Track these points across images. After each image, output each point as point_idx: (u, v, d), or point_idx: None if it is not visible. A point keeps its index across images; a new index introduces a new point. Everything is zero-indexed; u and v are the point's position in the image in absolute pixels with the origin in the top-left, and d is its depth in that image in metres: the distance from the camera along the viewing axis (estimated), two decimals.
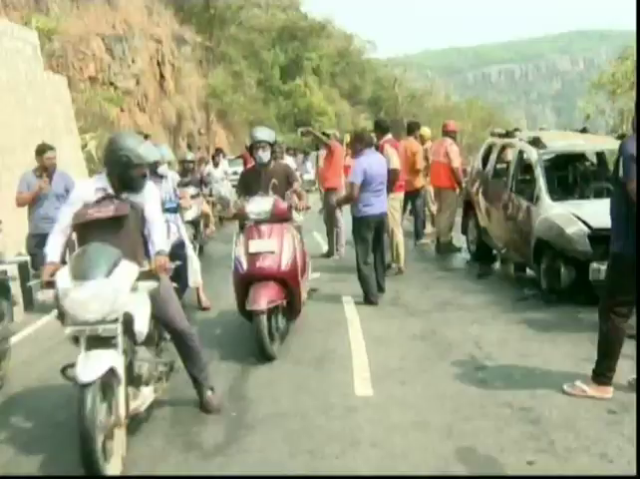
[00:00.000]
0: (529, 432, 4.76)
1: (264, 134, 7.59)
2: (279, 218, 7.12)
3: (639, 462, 3.83)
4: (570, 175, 10.08)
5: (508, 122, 51.82)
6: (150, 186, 5.07)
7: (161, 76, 31.79)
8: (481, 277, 10.11)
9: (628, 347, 5.45)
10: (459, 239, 12.36)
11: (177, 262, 5.13)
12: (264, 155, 7.49)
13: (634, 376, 5.38)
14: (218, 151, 19.59)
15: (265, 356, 6.56)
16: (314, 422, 5.16)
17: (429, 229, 14.10)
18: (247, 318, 6.88)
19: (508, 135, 10.74)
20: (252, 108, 47.06)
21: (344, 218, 12.20)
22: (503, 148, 10.96)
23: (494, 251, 10.84)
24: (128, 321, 4.52)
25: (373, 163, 8.84)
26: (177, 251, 7.33)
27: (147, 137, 16.29)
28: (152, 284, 4.68)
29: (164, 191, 7.90)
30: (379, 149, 9.72)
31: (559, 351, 6.52)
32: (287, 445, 4.78)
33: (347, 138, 14.53)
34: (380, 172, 8.90)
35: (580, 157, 10.53)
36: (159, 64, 31.38)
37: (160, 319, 5.11)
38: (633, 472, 4.11)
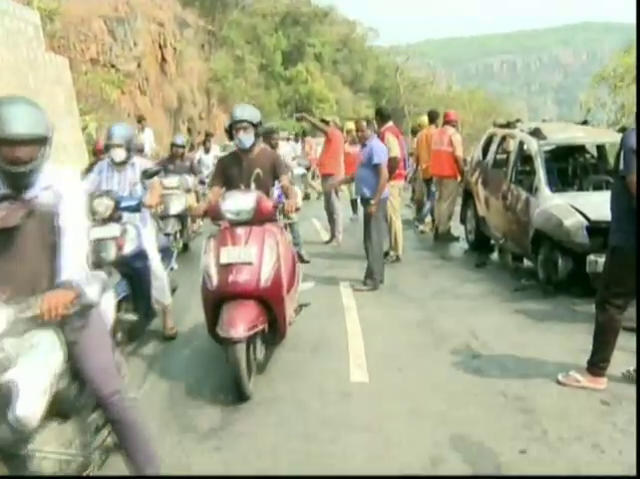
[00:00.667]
0: (523, 421, 4.79)
1: (245, 112, 6.29)
2: (262, 219, 5.81)
3: (639, 462, 3.84)
4: (570, 167, 10.09)
5: (510, 113, 51.58)
6: (67, 178, 3.60)
7: (163, 59, 31.67)
8: (479, 267, 10.13)
9: (623, 339, 5.49)
10: (457, 229, 12.36)
11: (76, 308, 3.27)
12: (246, 137, 6.20)
13: (629, 368, 5.42)
14: (209, 136, 18.26)
15: (240, 394, 5.30)
16: (309, 407, 5.19)
17: (428, 217, 14.10)
18: (219, 342, 5.50)
19: (509, 125, 10.74)
20: (253, 93, 46.94)
21: (341, 203, 12.26)
22: (504, 138, 10.97)
23: (492, 241, 10.86)
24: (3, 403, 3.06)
25: (384, 146, 9.15)
26: (135, 265, 6.22)
27: (140, 120, 16.34)
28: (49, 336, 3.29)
29: (121, 182, 6.63)
30: (380, 136, 9.75)
31: (555, 342, 6.55)
32: (282, 429, 4.81)
33: (347, 125, 14.55)
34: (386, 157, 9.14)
35: (580, 149, 10.53)
36: (160, 47, 31.25)
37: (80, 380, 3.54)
38: (625, 463, 4.15)
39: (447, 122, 12.71)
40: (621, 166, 4.97)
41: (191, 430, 4.86)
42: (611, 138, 10.29)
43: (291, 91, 53.55)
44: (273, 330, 5.79)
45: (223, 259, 5.47)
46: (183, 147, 11.86)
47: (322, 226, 13.85)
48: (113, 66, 24.87)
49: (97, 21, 24.85)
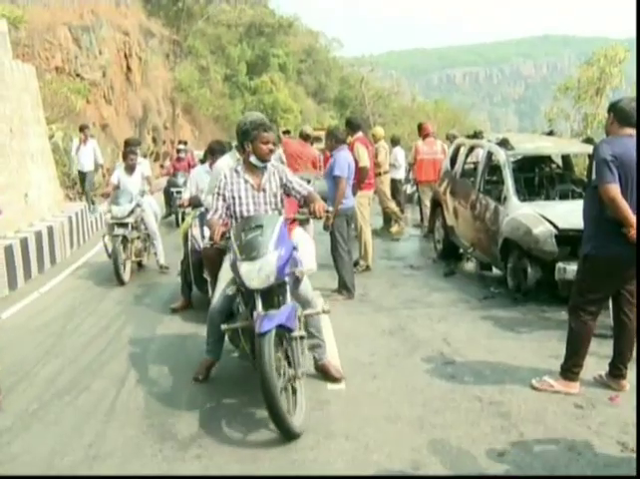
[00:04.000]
0: (500, 425, 4.88)
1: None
2: None
3: (639, 462, 3.93)
4: (537, 176, 10.25)
5: (472, 124, 52.22)
6: None
7: (128, 68, 31.51)
8: (448, 276, 10.23)
9: (594, 345, 5.61)
10: None
11: None
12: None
13: (600, 373, 5.54)
14: (181, 143, 18.50)
15: None
16: None
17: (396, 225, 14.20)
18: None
19: (477, 136, 10.88)
20: (218, 103, 46.92)
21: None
22: (472, 148, 11.13)
23: (461, 250, 10.98)
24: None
25: (350, 158, 9.13)
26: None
27: (82, 129, 16.27)
28: None
29: None
30: (349, 147, 9.82)
31: (526, 348, 6.66)
32: (262, 436, 4.83)
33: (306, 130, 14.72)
34: (353, 167, 9.16)
35: (547, 159, 10.71)
36: (125, 56, 31.10)
37: None
38: (600, 464, 4.25)
39: (426, 135, 13.75)
40: (594, 176, 5.09)
41: (171, 438, 4.86)
42: (577, 148, 10.51)
43: (256, 101, 53.51)
44: None
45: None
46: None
47: None
48: (78, 75, 24.70)
49: (62, 29, 24.66)
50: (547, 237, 7.96)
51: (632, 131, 5.16)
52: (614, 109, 5.31)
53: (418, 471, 4.26)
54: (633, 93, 19.62)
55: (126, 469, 4.44)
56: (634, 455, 4.33)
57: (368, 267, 10.57)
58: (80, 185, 16.94)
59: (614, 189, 4.96)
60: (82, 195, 17.27)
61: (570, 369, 5.41)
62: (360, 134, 10.60)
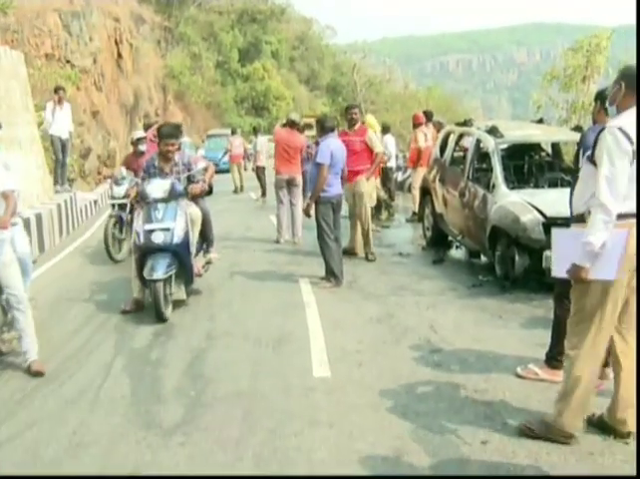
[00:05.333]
0: (483, 413, 4.89)
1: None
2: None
3: (639, 462, 3.93)
4: (526, 164, 10.24)
5: (465, 111, 52.19)
6: None
7: (119, 55, 31.39)
8: (436, 264, 10.23)
9: None
10: None
11: None
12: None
13: None
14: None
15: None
16: (273, 402, 5.23)
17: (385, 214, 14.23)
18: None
19: (466, 124, 10.87)
20: (210, 90, 46.85)
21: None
22: (461, 136, 11.12)
23: (450, 238, 10.99)
24: None
25: (336, 146, 9.10)
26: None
27: (57, 90, 15.48)
28: None
29: None
30: (361, 133, 10.44)
31: (513, 336, 6.68)
32: (246, 424, 4.84)
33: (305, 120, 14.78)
34: (341, 156, 9.17)
35: (536, 147, 10.70)
36: (116, 43, 30.96)
37: None
38: (582, 452, 4.27)
39: (418, 124, 13.81)
40: (580, 164, 5.07)
41: (156, 426, 4.86)
42: (565, 136, 10.51)
43: (248, 88, 53.50)
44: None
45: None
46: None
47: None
48: (68, 61, 24.55)
49: (52, 15, 24.50)
50: (535, 225, 7.97)
51: None
52: (601, 97, 5.29)
53: (400, 459, 4.27)
54: None
55: (110, 457, 4.44)
56: (616, 443, 4.35)
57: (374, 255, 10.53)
58: (54, 152, 15.28)
59: None
60: (55, 165, 15.59)
61: (555, 357, 5.40)
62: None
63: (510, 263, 8.37)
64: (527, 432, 4.50)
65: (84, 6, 27.35)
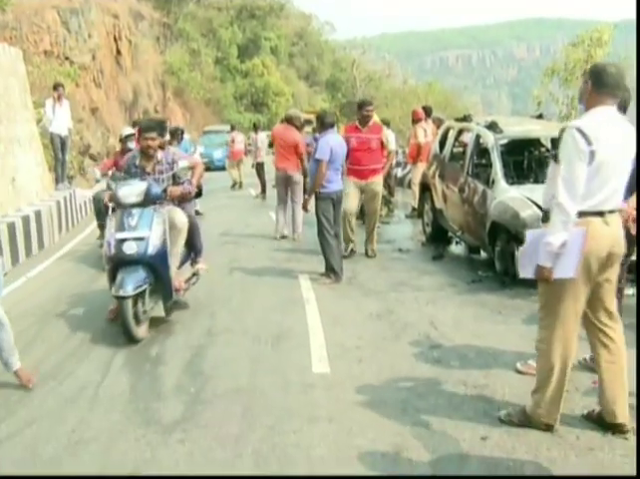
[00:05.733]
0: (483, 409, 4.88)
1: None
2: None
3: (639, 462, 3.93)
4: (525, 160, 10.22)
5: (465, 106, 52.15)
6: None
7: (118, 52, 31.37)
8: (436, 259, 10.22)
9: (580, 328, 5.58)
10: None
11: None
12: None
13: (585, 356, 5.53)
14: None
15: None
16: (272, 398, 5.22)
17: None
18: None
19: (466, 119, 10.86)
20: (209, 86, 46.80)
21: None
22: (460, 131, 11.10)
23: (449, 234, 10.98)
24: None
25: (336, 142, 9.07)
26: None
27: (56, 87, 15.34)
28: None
29: None
30: (376, 130, 10.29)
31: (512, 332, 6.67)
32: (246, 420, 4.83)
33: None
34: (341, 152, 9.16)
35: (536, 142, 10.68)
36: (115, 39, 30.95)
37: None
38: (582, 447, 4.27)
39: (417, 120, 13.78)
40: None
41: (155, 423, 4.86)
42: None
43: (247, 84, 53.44)
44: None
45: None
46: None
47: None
48: (67, 58, 24.54)
49: (50, 12, 24.49)
50: (535, 220, 7.93)
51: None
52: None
53: (399, 455, 4.26)
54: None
55: (109, 454, 4.44)
56: (615, 439, 4.35)
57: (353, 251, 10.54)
58: (53, 150, 15.14)
59: None
60: (55, 163, 15.42)
61: None
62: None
63: (510, 259, 8.35)
64: (508, 422, 4.62)
65: (82, 3, 27.30)
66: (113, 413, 5.05)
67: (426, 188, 11.78)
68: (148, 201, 6.86)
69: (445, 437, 4.49)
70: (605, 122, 4.25)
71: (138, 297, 6.58)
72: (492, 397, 5.09)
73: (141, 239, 6.65)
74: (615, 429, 4.46)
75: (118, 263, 6.69)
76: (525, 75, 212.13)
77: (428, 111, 15.01)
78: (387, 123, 16.51)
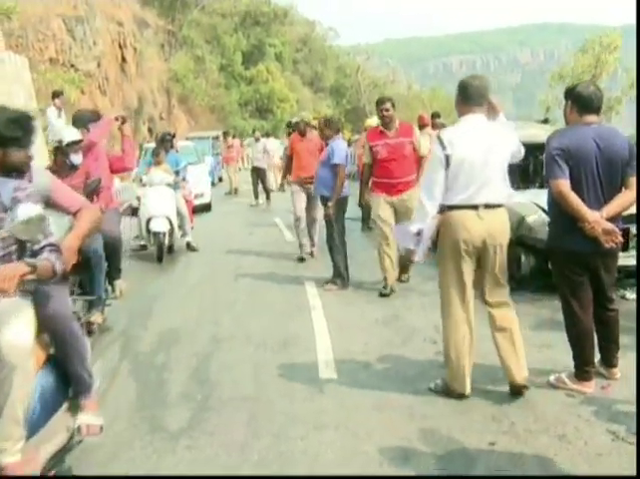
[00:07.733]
0: (491, 414, 4.86)
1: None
2: None
3: (639, 462, 3.91)
4: (531, 165, 10.21)
5: None
6: None
7: (123, 59, 31.46)
8: None
9: None
10: None
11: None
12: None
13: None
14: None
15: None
16: (278, 405, 5.21)
17: None
18: None
19: None
20: (214, 93, 46.90)
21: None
22: None
23: None
24: None
25: (344, 147, 9.22)
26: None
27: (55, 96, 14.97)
28: None
29: None
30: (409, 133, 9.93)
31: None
32: (252, 428, 4.82)
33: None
34: (348, 157, 9.31)
35: (541, 147, 10.61)
36: (120, 47, 31.05)
37: None
38: (590, 453, 4.24)
39: (423, 125, 13.62)
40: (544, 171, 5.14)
41: (161, 430, 4.85)
42: None
43: (252, 91, 53.57)
44: None
45: None
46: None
47: (285, 225, 13.86)
48: (72, 65, 24.63)
49: (55, 20, 24.58)
50: (541, 225, 7.93)
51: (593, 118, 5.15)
52: (571, 95, 5.24)
53: (407, 461, 4.25)
54: (629, 80, 19.53)
55: (116, 461, 4.43)
56: (625, 444, 4.33)
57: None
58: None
59: (563, 184, 4.95)
60: None
61: (579, 368, 5.20)
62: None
63: (516, 264, 8.33)
64: (435, 391, 5.26)
65: (87, 11, 27.41)
66: (119, 421, 5.04)
67: None
68: None
69: (452, 443, 4.46)
70: (471, 128, 4.94)
71: None
72: (500, 403, 5.07)
73: None
74: (516, 390, 5.07)
75: None
76: (529, 80, 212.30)
77: (435, 117, 14.98)
78: None
